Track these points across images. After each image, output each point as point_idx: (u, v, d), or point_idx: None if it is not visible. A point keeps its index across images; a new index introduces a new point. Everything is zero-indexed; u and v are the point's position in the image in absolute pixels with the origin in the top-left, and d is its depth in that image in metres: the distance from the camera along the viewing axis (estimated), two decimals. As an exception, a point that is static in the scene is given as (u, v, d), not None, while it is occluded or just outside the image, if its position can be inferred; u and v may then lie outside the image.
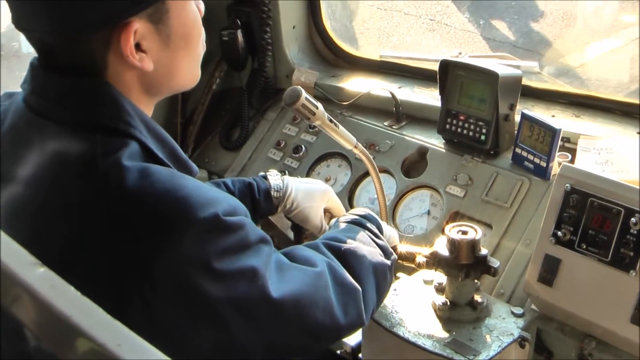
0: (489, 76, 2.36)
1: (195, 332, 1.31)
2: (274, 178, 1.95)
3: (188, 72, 1.49)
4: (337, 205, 2.01)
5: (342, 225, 1.75)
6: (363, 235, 1.70)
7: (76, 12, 1.30)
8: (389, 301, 1.94)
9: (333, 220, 1.87)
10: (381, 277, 1.66)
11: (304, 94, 1.86)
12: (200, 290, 1.28)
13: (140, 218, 1.26)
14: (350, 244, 1.63)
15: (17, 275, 0.66)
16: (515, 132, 2.35)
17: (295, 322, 1.43)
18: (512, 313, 1.94)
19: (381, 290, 1.68)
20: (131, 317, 1.23)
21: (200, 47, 1.51)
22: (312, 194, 1.96)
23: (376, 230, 1.76)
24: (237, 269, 1.33)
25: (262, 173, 1.99)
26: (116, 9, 1.30)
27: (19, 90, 1.46)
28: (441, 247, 1.85)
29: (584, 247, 1.82)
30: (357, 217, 1.78)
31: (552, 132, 2.19)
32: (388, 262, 1.70)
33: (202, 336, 1.32)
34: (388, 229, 1.90)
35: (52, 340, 0.66)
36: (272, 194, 1.92)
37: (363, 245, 1.66)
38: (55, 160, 1.32)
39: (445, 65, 2.47)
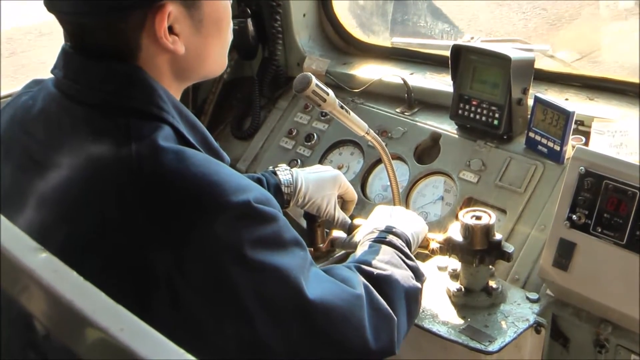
0: (502, 60, 2.34)
1: (218, 325, 1.29)
2: (283, 173, 1.94)
3: (217, 58, 1.50)
4: (349, 190, 2.00)
5: (372, 246, 1.69)
6: (394, 257, 1.65)
7: None
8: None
9: (359, 236, 1.80)
10: (413, 303, 1.61)
11: (314, 81, 1.85)
12: (229, 277, 1.26)
13: (173, 200, 1.25)
14: (383, 269, 1.58)
15: (19, 261, 0.65)
16: (529, 116, 2.33)
17: (323, 332, 1.40)
18: (527, 298, 1.93)
19: (412, 315, 1.62)
20: (156, 304, 1.22)
21: (229, 35, 1.52)
22: (323, 183, 1.95)
23: (406, 250, 1.70)
24: (269, 264, 1.31)
25: (271, 168, 1.97)
26: None
27: (46, 77, 1.47)
28: (455, 233, 1.84)
29: (599, 230, 1.81)
30: (385, 234, 1.73)
31: (566, 115, 2.17)
32: (419, 285, 1.64)
33: (225, 330, 1.29)
34: (414, 224, 1.84)
35: (55, 325, 0.66)
36: (283, 189, 1.91)
37: (395, 269, 1.60)
38: (88, 143, 1.32)
39: (458, 50, 2.45)
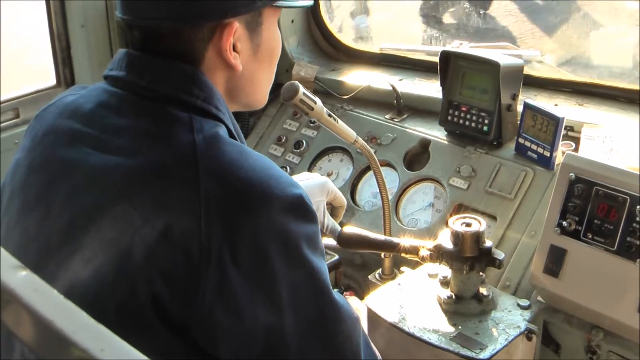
0: (491, 66, 2.34)
1: (253, 310, 1.30)
2: None
3: (264, 87, 1.59)
4: (338, 196, 1.99)
5: None
6: None
7: (196, 3, 1.39)
8: (394, 296, 1.93)
9: None
10: None
11: (302, 89, 1.85)
12: (271, 263, 1.30)
13: (233, 185, 1.30)
14: None
15: (-1, 279, 0.64)
16: (518, 122, 2.33)
17: (335, 339, 1.43)
18: (518, 305, 1.92)
19: None
20: (205, 283, 1.25)
21: (275, 70, 1.60)
22: (310, 191, 1.93)
23: None
24: (307, 261, 1.35)
25: None
26: (228, 6, 1.40)
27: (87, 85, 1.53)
28: (445, 239, 1.83)
29: (590, 236, 1.80)
30: None
31: (556, 121, 2.17)
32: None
33: (258, 316, 1.31)
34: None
35: (35, 344, 0.64)
36: None
37: None
38: (151, 130, 1.38)
39: (447, 56, 2.45)
